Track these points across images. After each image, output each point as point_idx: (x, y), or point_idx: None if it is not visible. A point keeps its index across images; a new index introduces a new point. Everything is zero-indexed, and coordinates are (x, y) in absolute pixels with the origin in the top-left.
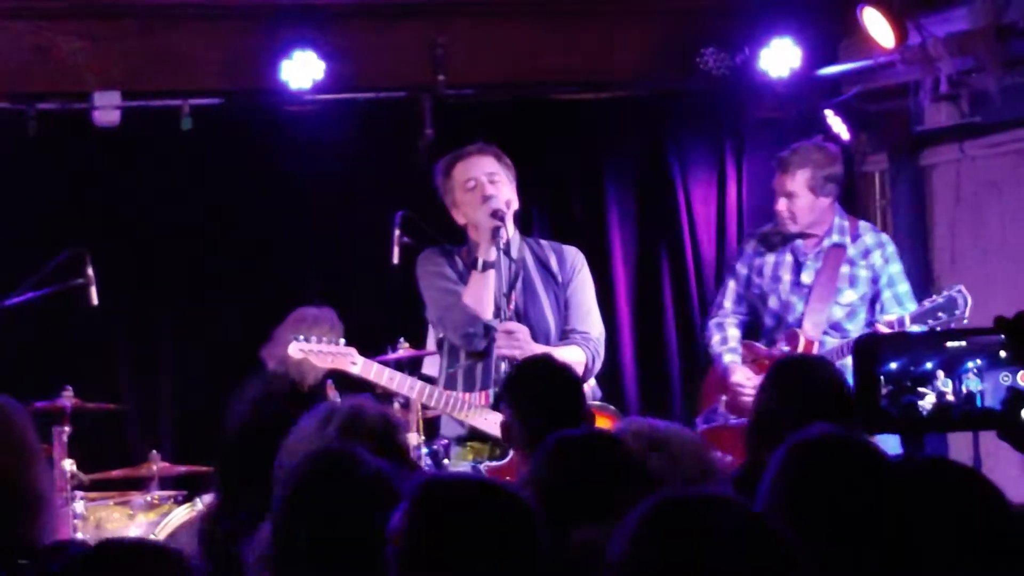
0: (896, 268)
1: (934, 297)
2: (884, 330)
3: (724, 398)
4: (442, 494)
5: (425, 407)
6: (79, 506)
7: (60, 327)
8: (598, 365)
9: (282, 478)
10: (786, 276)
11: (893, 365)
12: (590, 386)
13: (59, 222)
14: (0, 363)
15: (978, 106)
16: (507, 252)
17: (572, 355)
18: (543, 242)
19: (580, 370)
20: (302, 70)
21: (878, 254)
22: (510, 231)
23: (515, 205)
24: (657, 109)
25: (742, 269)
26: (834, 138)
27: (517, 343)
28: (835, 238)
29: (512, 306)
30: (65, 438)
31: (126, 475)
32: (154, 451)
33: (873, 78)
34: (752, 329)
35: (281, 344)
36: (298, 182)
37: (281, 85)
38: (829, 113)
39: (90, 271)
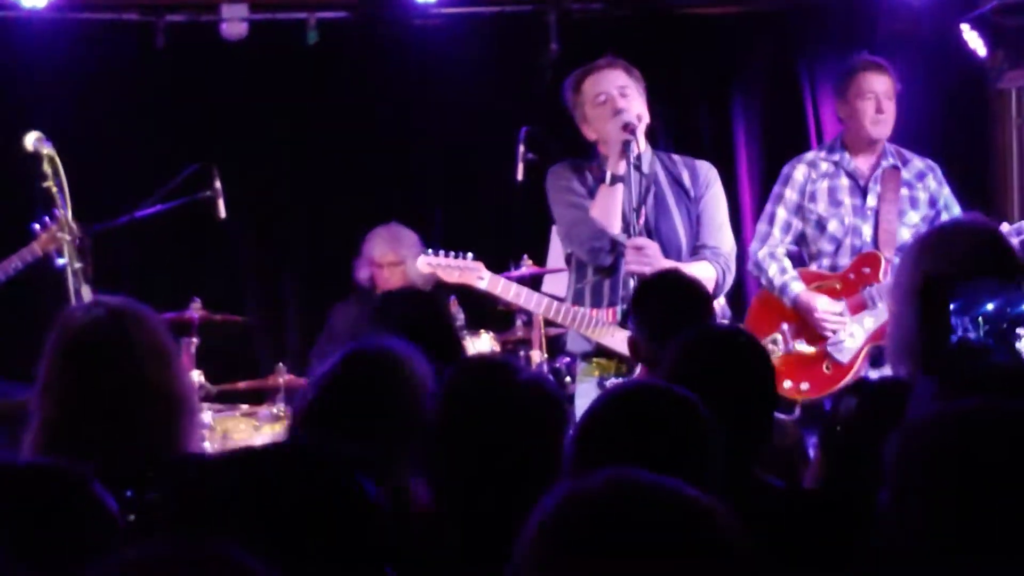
0: (947, 191)
1: None
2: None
3: (786, 326)
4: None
5: (549, 324)
6: (206, 416)
7: (189, 239)
8: (729, 281)
9: (437, 393)
10: (847, 200)
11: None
12: (720, 304)
13: (187, 134)
14: (130, 274)
15: None
16: (638, 167)
17: (702, 271)
18: (675, 156)
19: (710, 286)
20: None
21: (931, 177)
22: (641, 145)
23: (646, 119)
24: (789, 23)
25: (792, 195)
26: (970, 53)
27: (647, 259)
28: (890, 160)
29: (642, 221)
30: (193, 349)
31: (252, 387)
32: (280, 363)
33: None
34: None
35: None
36: (422, 96)
37: None
38: (965, 28)
39: (218, 184)
